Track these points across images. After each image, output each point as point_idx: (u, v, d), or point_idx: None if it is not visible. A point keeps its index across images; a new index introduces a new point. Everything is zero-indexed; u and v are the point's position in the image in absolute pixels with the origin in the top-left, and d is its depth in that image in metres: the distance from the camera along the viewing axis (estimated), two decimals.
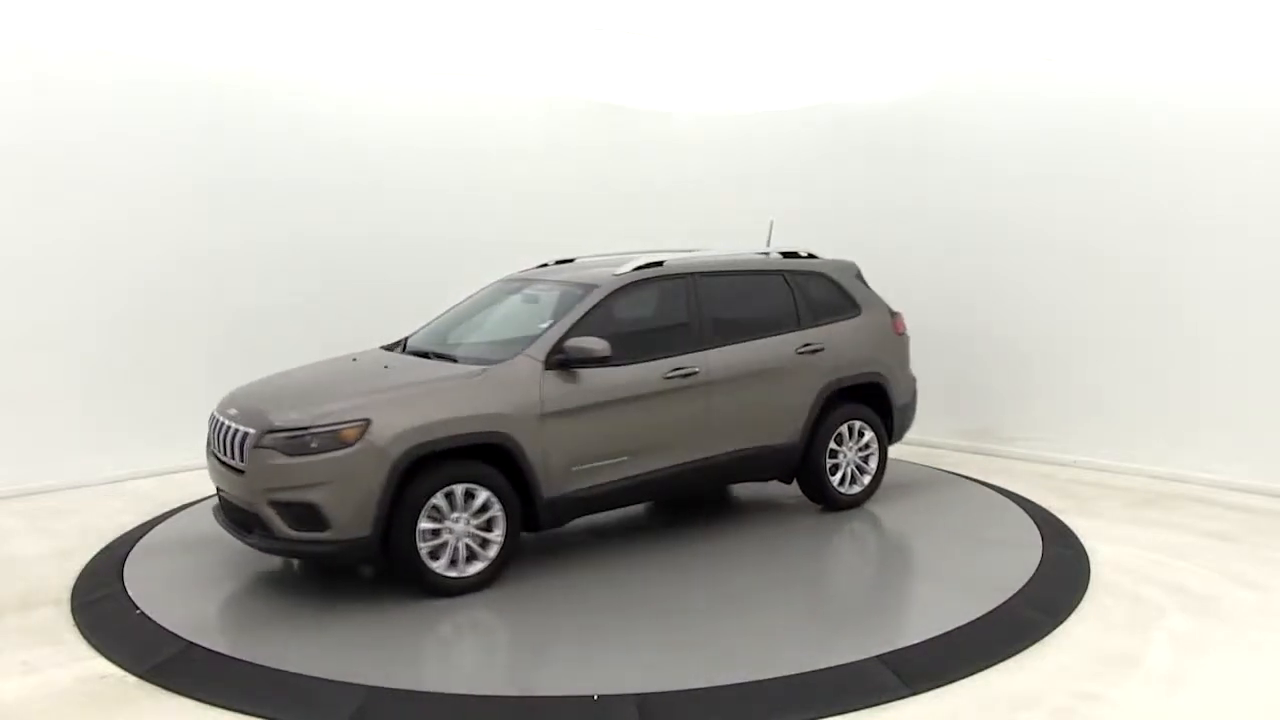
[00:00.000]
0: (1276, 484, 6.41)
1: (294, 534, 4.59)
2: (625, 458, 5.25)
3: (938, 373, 7.11)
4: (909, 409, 6.55)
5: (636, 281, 5.54)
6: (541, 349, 5.06)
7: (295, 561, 5.33)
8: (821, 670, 3.85)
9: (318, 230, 8.20)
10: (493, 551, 4.83)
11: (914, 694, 3.67)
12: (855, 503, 6.17)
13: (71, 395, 7.16)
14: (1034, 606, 4.51)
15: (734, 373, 5.62)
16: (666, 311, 5.69)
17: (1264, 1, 6.35)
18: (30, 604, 4.80)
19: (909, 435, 6.71)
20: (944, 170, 8.17)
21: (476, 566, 4.80)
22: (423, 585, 4.71)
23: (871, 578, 5.40)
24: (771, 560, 5.33)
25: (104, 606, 4.73)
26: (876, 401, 6.29)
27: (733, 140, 9.63)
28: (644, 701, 3.61)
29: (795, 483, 6.17)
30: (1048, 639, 4.17)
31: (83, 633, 4.41)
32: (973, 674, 3.82)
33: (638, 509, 6.13)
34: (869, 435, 6.21)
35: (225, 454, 4.88)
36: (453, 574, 4.73)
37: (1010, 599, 4.57)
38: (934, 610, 4.56)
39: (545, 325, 5.24)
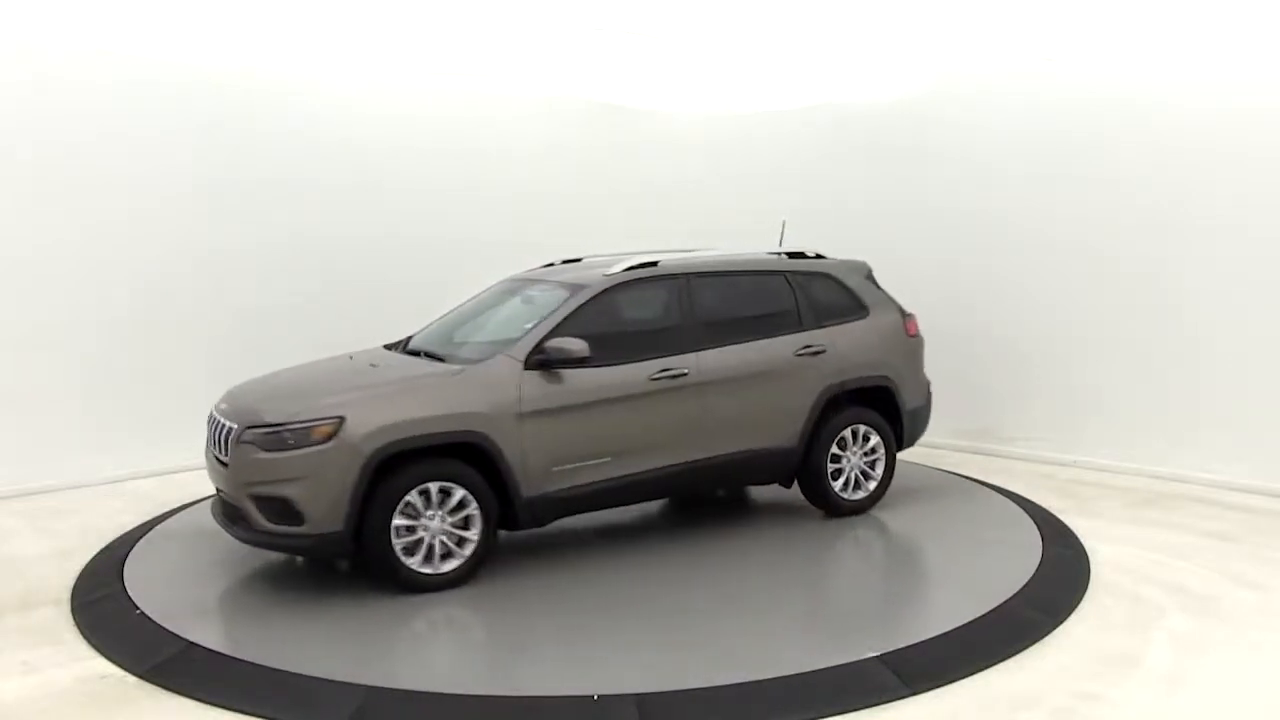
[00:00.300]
0: (1276, 484, 6.41)
1: (272, 527, 4.69)
2: (609, 459, 5.22)
3: (938, 372, 7.08)
4: (921, 414, 6.38)
5: (627, 282, 5.51)
6: (522, 349, 5.09)
7: (295, 561, 5.34)
8: (821, 670, 3.85)
9: (318, 230, 8.20)
10: (469, 549, 4.87)
11: (914, 694, 3.66)
12: (859, 509, 6.03)
13: (71, 395, 7.17)
14: (1034, 606, 4.51)
15: (726, 374, 5.54)
16: (658, 312, 5.64)
17: (1264, 1, 6.35)
18: (30, 604, 4.80)
19: None
20: (944, 170, 8.17)
21: (452, 564, 4.84)
22: (396, 581, 4.76)
23: (871, 578, 5.40)
24: (772, 561, 5.33)
25: (104, 606, 4.73)
26: (884, 405, 6.14)
27: (733, 140, 9.63)
28: (644, 701, 3.61)
29: (796, 486, 6.12)
30: (1048, 639, 4.17)
31: (83, 633, 4.41)
32: (973, 674, 3.82)
33: (638, 510, 6.12)
34: (875, 440, 6.07)
35: (216, 448, 5.00)
36: (427, 570, 4.79)
37: (1010, 599, 4.57)
38: (934, 610, 4.57)
39: (529, 325, 5.26)
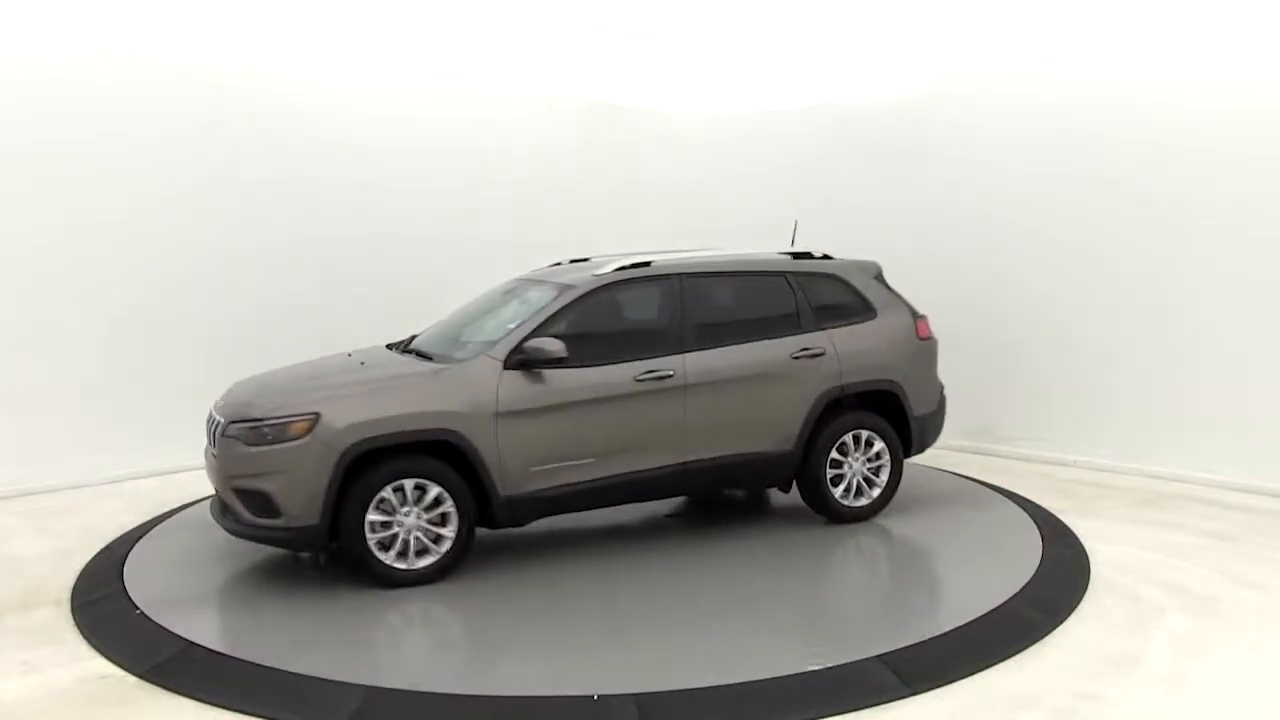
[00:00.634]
0: (1276, 484, 6.40)
1: (253, 519, 4.85)
2: (590, 460, 5.20)
3: (938, 372, 7.10)
4: (932, 420, 6.16)
5: (617, 283, 5.50)
6: (503, 349, 5.12)
7: (295, 562, 5.34)
8: (821, 670, 3.85)
9: (318, 230, 8.20)
10: (444, 546, 4.93)
11: (914, 694, 3.66)
12: (861, 516, 5.86)
13: (71, 395, 7.17)
14: (1034, 606, 4.51)
15: (715, 377, 5.45)
16: (648, 313, 5.60)
17: (1264, 1, 6.35)
18: (30, 604, 4.80)
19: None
20: (944, 170, 8.17)
21: (427, 560, 4.91)
22: (371, 575, 4.84)
23: (871, 578, 5.40)
24: (772, 561, 5.33)
25: (104, 606, 4.73)
26: (890, 410, 5.96)
27: (733, 140, 9.63)
28: (644, 701, 3.61)
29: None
30: (1048, 639, 4.17)
31: (83, 633, 4.41)
32: (973, 674, 3.82)
33: (639, 509, 6.12)
34: (879, 445, 5.88)
35: (210, 442, 5.16)
36: (401, 566, 4.86)
37: (1010, 599, 4.57)
38: (934, 610, 4.57)
39: (513, 325, 5.28)
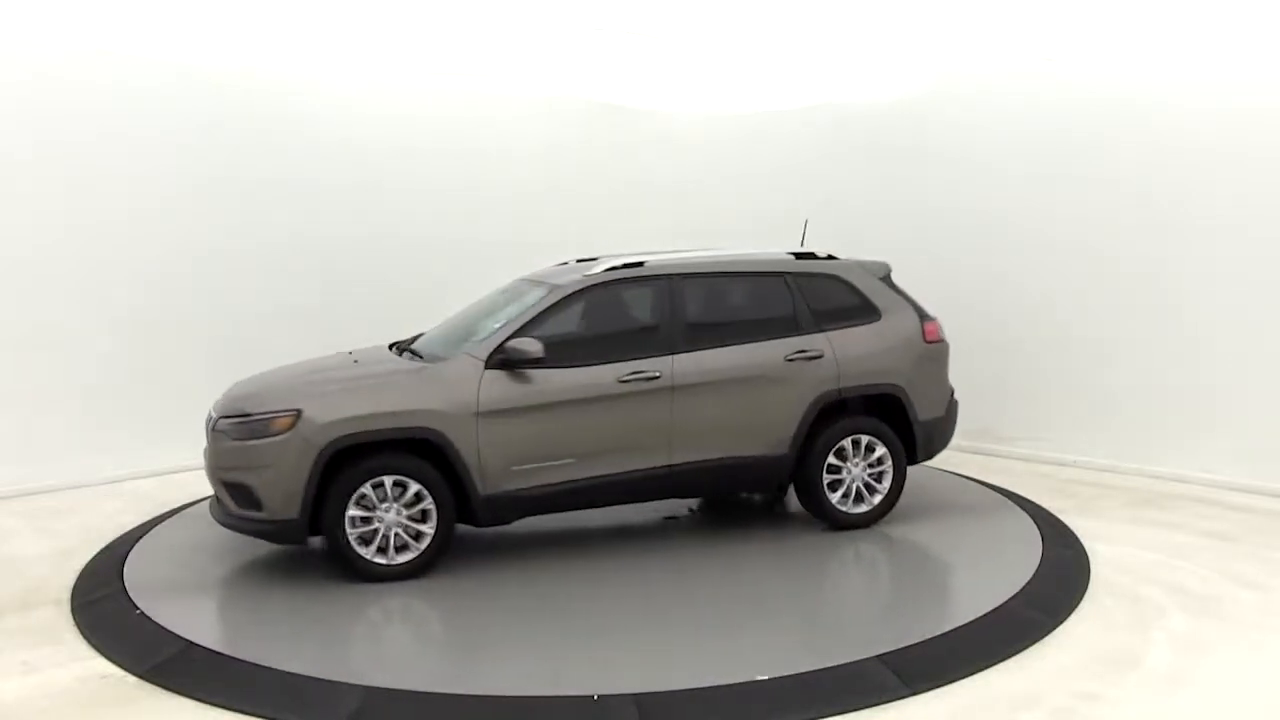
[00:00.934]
0: (1276, 484, 6.40)
1: (239, 511, 5.01)
2: (571, 460, 5.19)
3: None
4: (940, 426, 5.97)
5: (606, 283, 5.48)
6: (485, 349, 5.15)
7: (295, 562, 5.34)
8: (821, 670, 3.85)
9: (318, 230, 8.21)
10: (424, 543, 4.98)
11: (914, 694, 3.66)
12: (861, 523, 5.72)
13: (71, 395, 7.17)
14: (1034, 606, 4.51)
15: (704, 378, 5.38)
16: (637, 314, 5.57)
17: (1264, 1, 6.35)
18: (30, 604, 4.80)
19: None
20: (944, 170, 8.17)
21: (407, 556, 4.97)
22: (351, 569, 4.93)
23: (871, 578, 5.40)
24: (773, 561, 5.33)
25: (104, 606, 4.73)
26: (893, 415, 5.81)
27: (733, 140, 9.63)
28: (644, 701, 3.61)
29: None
30: (1048, 639, 4.17)
31: (83, 633, 4.41)
32: (973, 674, 3.82)
33: (641, 510, 6.11)
34: (880, 451, 5.73)
35: (207, 435, 5.27)
36: (381, 561, 4.94)
37: (1010, 599, 4.57)
38: (934, 610, 4.57)
39: (498, 325, 5.31)
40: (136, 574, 5.15)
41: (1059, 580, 4.88)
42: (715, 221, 9.12)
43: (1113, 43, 7.12)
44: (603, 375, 5.24)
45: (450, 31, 8.77)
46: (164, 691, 3.81)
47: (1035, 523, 5.84)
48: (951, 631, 4.21)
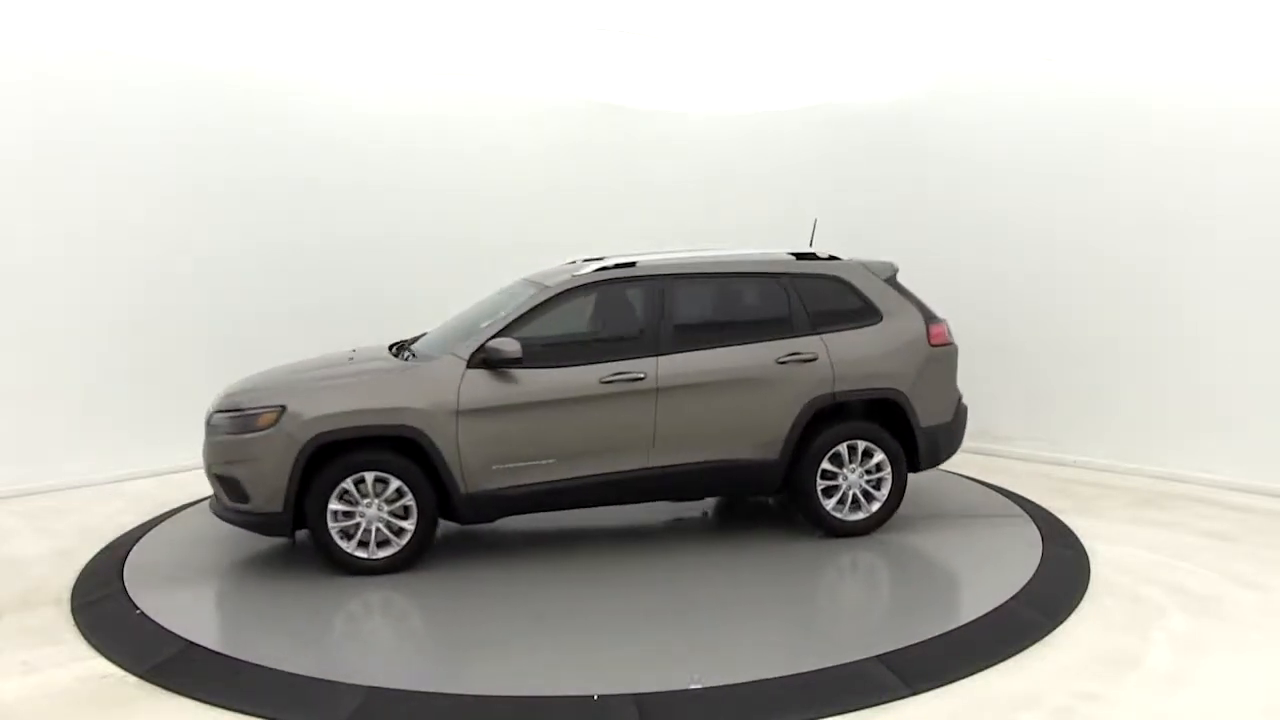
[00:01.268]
0: (1276, 484, 6.41)
1: (230, 505, 5.15)
2: (553, 460, 5.19)
3: None
4: (944, 432, 5.77)
5: (595, 284, 5.47)
6: (468, 348, 5.18)
7: (295, 561, 5.34)
8: (821, 670, 3.85)
9: (318, 230, 8.21)
10: (405, 539, 5.07)
11: (914, 694, 3.67)
12: (858, 530, 5.59)
13: (71, 395, 7.17)
14: (1034, 606, 4.51)
15: (690, 380, 5.30)
16: (625, 314, 5.53)
17: (1264, 1, 6.35)
18: (30, 604, 4.80)
19: None
20: (944, 170, 8.17)
21: (387, 551, 5.07)
22: (333, 562, 5.04)
23: (871, 578, 5.40)
24: (773, 562, 5.32)
25: (104, 606, 4.73)
26: (893, 420, 5.66)
27: (733, 140, 9.63)
28: (644, 701, 3.61)
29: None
30: (1048, 639, 4.17)
31: (83, 633, 4.41)
32: (973, 674, 3.82)
33: (641, 510, 6.11)
34: (879, 457, 5.58)
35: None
36: (362, 555, 5.05)
37: (1010, 599, 4.57)
38: (934, 610, 4.56)
39: (485, 325, 5.34)
40: (136, 574, 5.15)
41: (1059, 580, 4.88)
42: (716, 222, 9.13)
43: (1113, 43, 7.12)
44: (585, 376, 5.22)
45: (450, 31, 8.77)
46: (164, 691, 3.81)
47: (1035, 523, 5.84)
48: (951, 631, 4.21)
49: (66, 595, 4.90)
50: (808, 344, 5.53)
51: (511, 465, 5.15)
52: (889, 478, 5.62)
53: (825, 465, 5.53)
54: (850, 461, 5.58)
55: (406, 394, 5.06)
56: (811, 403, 5.47)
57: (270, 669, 3.95)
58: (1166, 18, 6.83)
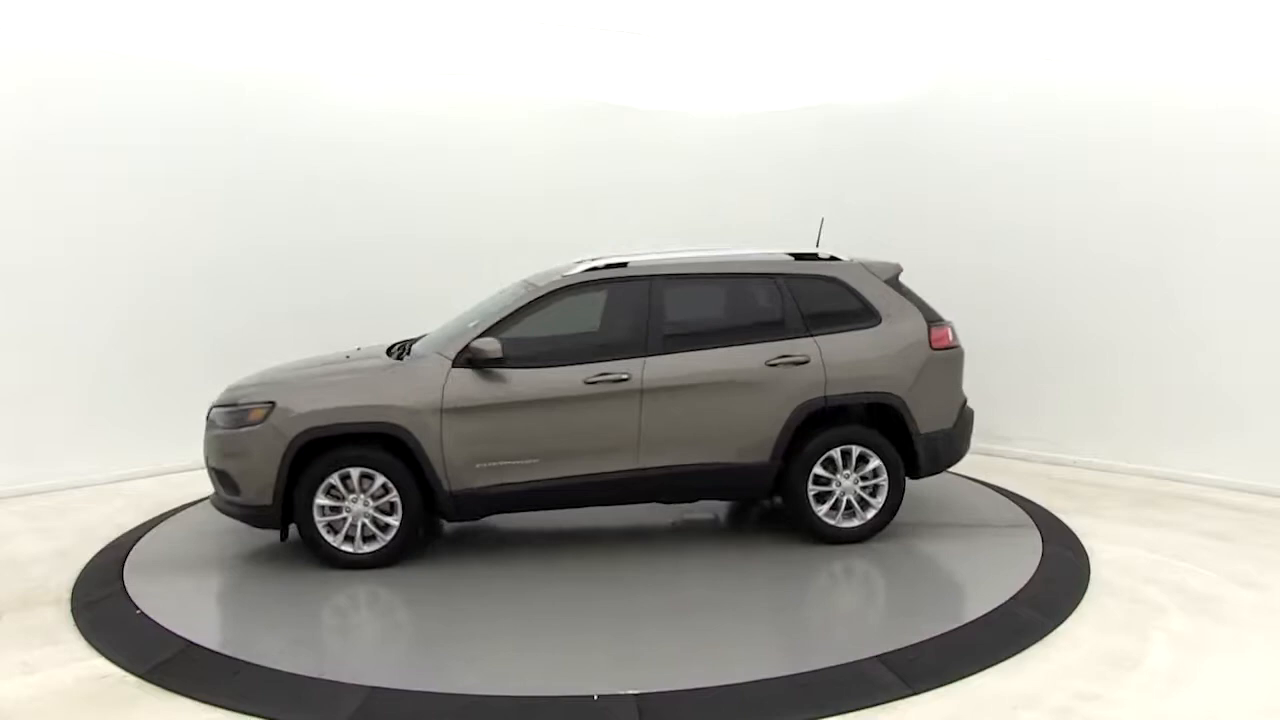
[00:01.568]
0: (1276, 484, 6.41)
1: (225, 497, 5.30)
2: (536, 460, 5.19)
3: None
4: (946, 439, 5.59)
5: (584, 284, 5.44)
6: (454, 348, 5.23)
7: (296, 561, 5.34)
8: (821, 670, 3.85)
9: (318, 231, 8.20)
10: (390, 534, 5.16)
11: (914, 694, 3.67)
12: (851, 538, 5.46)
13: (71, 395, 7.17)
14: (1034, 606, 4.51)
15: (676, 382, 5.24)
16: (614, 315, 5.49)
17: (1264, 1, 6.35)
18: (30, 604, 4.80)
19: None
20: (943, 170, 8.17)
21: (373, 546, 5.16)
22: (319, 555, 5.15)
23: (871, 578, 5.39)
24: (774, 562, 5.32)
25: (104, 606, 4.73)
26: (890, 425, 5.53)
27: (733, 140, 9.63)
28: (644, 701, 3.61)
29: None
30: (1048, 639, 4.17)
31: (83, 633, 4.42)
32: (973, 674, 3.82)
33: (642, 510, 6.11)
34: (875, 463, 5.43)
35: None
36: (347, 549, 5.15)
37: (1010, 599, 4.57)
38: (934, 610, 4.56)
39: (473, 324, 5.37)
40: (136, 574, 5.15)
41: (1059, 580, 4.88)
42: (717, 222, 9.11)
43: (1113, 43, 7.12)
44: (570, 376, 5.21)
45: (450, 31, 8.77)
46: (164, 691, 3.81)
47: (1035, 523, 5.84)
48: (951, 631, 4.21)
49: (66, 595, 4.90)
50: (800, 346, 5.42)
51: (495, 464, 5.17)
52: (885, 484, 5.48)
53: (818, 470, 5.40)
54: (845, 467, 5.45)
55: (392, 392, 5.13)
56: (802, 406, 5.36)
57: (270, 669, 3.96)
58: (1166, 18, 6.83)
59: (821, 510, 5.45)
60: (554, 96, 9.36)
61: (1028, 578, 4.86)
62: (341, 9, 8.25)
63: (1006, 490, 6.64)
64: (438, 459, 5.09)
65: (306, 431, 5.04)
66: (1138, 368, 7.13)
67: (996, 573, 4.96)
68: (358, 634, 4.55)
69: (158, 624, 4.44)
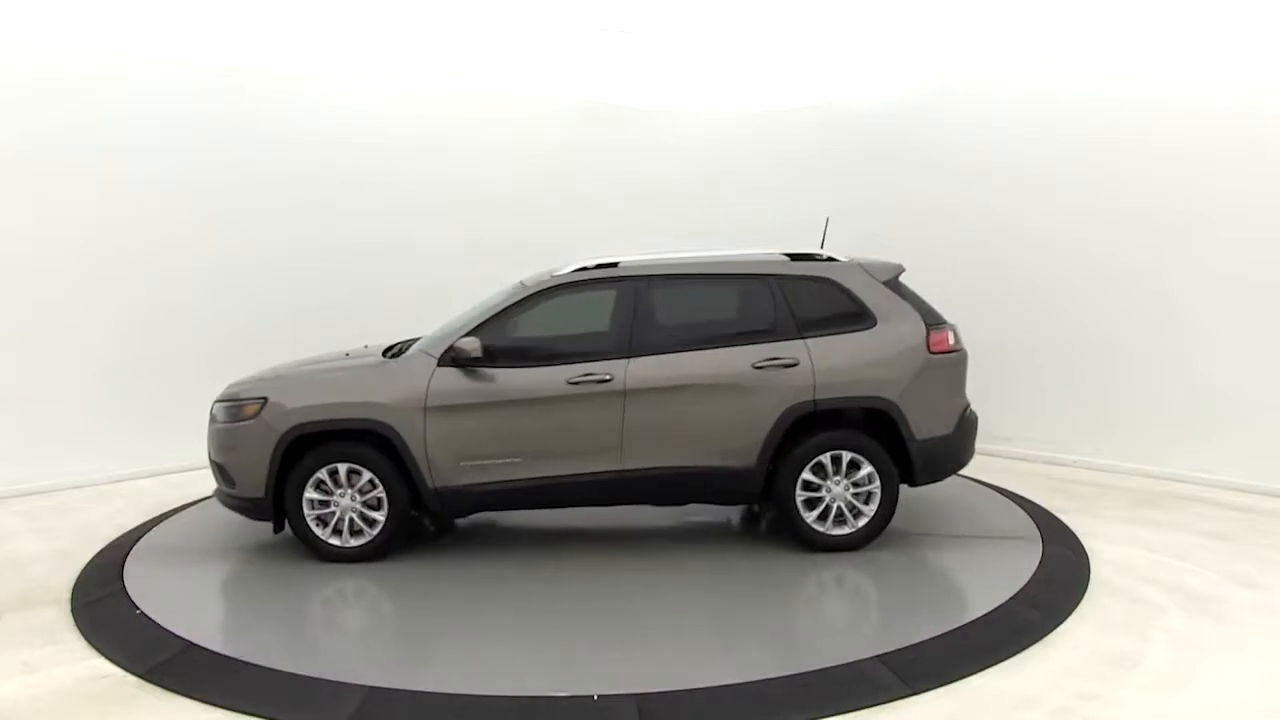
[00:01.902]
0: (1276, 484, 6.41)
1: (224, 489, 5.46)
2: (518, 460, 5.22)
3: None
4: (944, 445, 5.38)
5: (572, 284, 5.43)
6: (440, 347, 5.31)
7: (296, 561, 5.34)
8: (821, 670, 3.85)
9: (318, 231, 8.21)
10: (377, 529, 5.26)
11: (914, 694, 3.67)
12: (841, 546, 5.32)
13: (71, 395, 7.17)
14: (1034, 606, 4.51)
15: (659, 384, 5.17)
16: (601, 315, 5.43)
17: (1264, 2, 6.35)
18: (30, 604, 4.80)
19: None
20: (943, 170, 8.17)
21: (360, 540, 5.28)
22: (308, 548, 5.28)
23: (871, 578, 5.39)
24: (773, 562, 5.32)
25: (104, 606, 4.73)
26: (883, 431, 5.37)
27: (734, 140, 9.63)
28: (644, 701, 3.61)
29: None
30: (1048, 639, 4.17)
31: (83, 633, 4.42)
32: (973, 674, 3.82)
33: (643, 510, 6.10)
34: (867, 469, 5.28)
35: None
36: (335, 542, 5.28)
37: (1010, 599, 4.57)
38: (934, 610, 4.56)
39: (459, 325, 5.45)
40: (136, 574, 5.15)
41: (1059, 580, 4.88)
42: (717, 222, 9.12)
43: (1113, 43, 7.12)
44: (553, 376, 5.21)
45: (450, 31, 8.77)
46: (164, 691, 3.81)
47: (1035, 523, 5.84)
48: (951, 631, 4.21)
49: (66, 595, 4.90)
50: (789, 349, 5.29)
51: (478, 463, 5.22)
52: (877, 492, 5.31)
53: (807, 476, 5.27)
54: (835, 473, 5.30)
55: (377, 390, 5.23)
56: (790, 410, 5.22)
57: (270, 669, 3.95)
58: (1167, 18, 6.83)
59: (810, 517, 5.33)
60: (554, 97, 9.36)
61: (1027, 578, 4.86)
62: (342, 9, 8.26)
63: (1006, 490, 6.64)
64: (422, 456, 5.17)
65: (296, 427, 5.17)
66: (1138, 368, 7.13)
67: (996, 573, 4.96)
68: (358, 634, 4.55)
69: (158, 624, 4.44)
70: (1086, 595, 4.69)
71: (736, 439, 5.25)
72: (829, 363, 5.26)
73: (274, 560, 5.38)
